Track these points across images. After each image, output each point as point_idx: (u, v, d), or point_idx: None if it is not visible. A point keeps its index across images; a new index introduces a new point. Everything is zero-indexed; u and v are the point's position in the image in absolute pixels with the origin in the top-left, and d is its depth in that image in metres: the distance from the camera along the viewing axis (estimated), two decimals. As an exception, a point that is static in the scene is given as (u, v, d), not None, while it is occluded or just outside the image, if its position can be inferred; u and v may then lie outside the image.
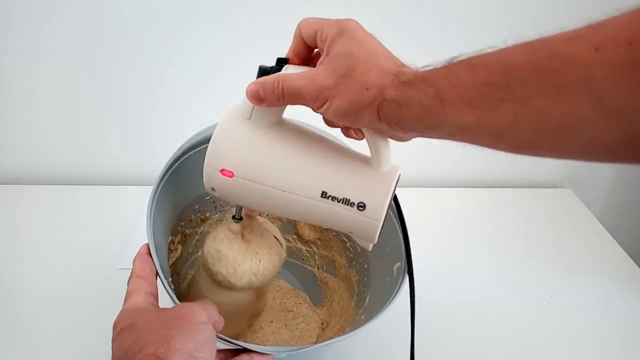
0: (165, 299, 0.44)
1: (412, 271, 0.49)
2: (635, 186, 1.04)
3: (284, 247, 0.57)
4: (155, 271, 0.45)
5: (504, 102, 0.30)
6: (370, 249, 0.46)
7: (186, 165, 0.56)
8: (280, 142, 0.43)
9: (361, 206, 0.41)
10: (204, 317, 0.39)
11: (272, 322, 0.65)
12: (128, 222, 0.78)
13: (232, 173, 0.44)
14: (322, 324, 0.65)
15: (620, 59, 0.26)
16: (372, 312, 0.51)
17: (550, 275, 0.78)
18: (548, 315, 0.71)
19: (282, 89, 0.40)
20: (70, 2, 0.72)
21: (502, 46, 0.31)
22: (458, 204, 0.92)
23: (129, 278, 0.44)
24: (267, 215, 0.65)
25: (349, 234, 0.44)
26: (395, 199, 0.48)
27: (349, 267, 0.65)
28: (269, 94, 0.40)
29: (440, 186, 0.95)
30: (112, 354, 0.37)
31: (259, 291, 0.58)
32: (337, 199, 0.42)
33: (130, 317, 0.39)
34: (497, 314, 0.70)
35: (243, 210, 0.53)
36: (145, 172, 0.80)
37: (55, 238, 0.75)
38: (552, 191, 0.98)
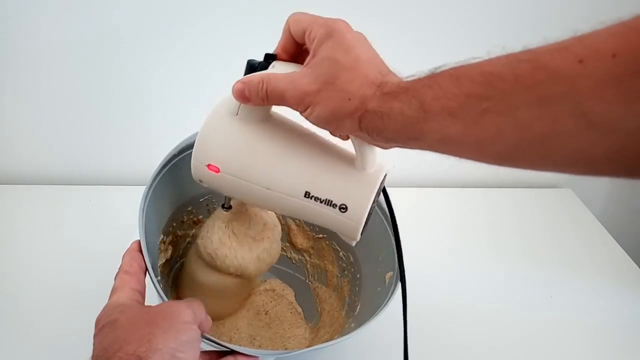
0: (154, 297, 0.44)
1: (404, 275, 0.49)
2: (635, 186, 1.04)
3: (279, 230, 0.57)
4: (144, 268, 0.45)
5: (487, 114, 0.30)
6: (353, 244, 0.46)
7: (181, 166, 0.56)
8: (266, 139, 0.43)
9: (343, 208, 0.42)
10: (189, 316, 0.38)
11: (258, 325, 0.65)
12: (128, 222, 0.77)
13: (218, 169, 0.44)
14: (310, 332, 0.64)
15: (604, 71, 0.25)
16: (362, 321, 0.51)
17: (550, 275, 0.78)
18: (548, 315, 0.71)
19: (266, 90, 0.40)
20: (70, 3, 0.72)
21: (486, 57, 0.31)
22: (458, 204, 0.92)
23: (117, 274, 0.43)
24: None
25: (332, 230, 0.45)
26: (387, 200, 0.48)
27: (341, 276, 0.64)
28: (254, 94, 0.40)
29: (439, 186, 0.95)
30: (93, 351, 0.36)
31: (244, 281, 0.59)
32: (320, 199, 0.42)
33: (113, 314, 0.38)
34: (497, 314, 0.70)
35: (233, 200, 0.53)
36: (146, 172, 0.79)
37: (55, 238, 0.75)
38: (552, 191, 0.98)
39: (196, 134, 0.56)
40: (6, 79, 0.78)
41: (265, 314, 0.66)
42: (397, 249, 0.50)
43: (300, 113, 0.39)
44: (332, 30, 0.38)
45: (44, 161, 0.87)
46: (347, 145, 0.44)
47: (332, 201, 0.42)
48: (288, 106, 0.40)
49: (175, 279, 0.64)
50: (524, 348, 0.66)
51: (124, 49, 0.78)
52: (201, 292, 0.57)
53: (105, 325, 0.37)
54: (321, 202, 0.42)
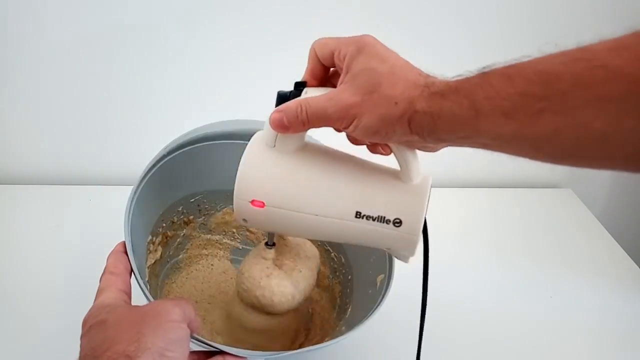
0: (141, 299, 0.44)
1: (426, 280, 0.48)
2: (635, 186, 1.04)
3: (317, 256, 0.56)
4: (129, 269, 0.44)
5: (543, 113, 0.29)
6: (408, 262, 0.45)
7: (171, 166, 0.55)
8: (307, 166, 0.43)
9: (397, 222, 0.41)
10: (177, 315, 0.38)
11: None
12: (128, 222, 0.78)
13: (263, 203, 0.43)
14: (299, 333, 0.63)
15: None
16: (353, 323, 0.50)
17: (550, 275, 0.78)
18: (548, 315, 0.71)
19: (307, 113, 0.39)
20: (70, 5, 0.72)
21: (538, 55, 0.31)
22: (458, 204, 0.92)
23: (101, 275, 0.43)
24: None
25: (386, 250, 0.44)
26: None
27: (332, 277, 0.64)
28: (293, 120, 0.40)
29: (439, 186, 0.94)
30: (80, 351, 0.36)
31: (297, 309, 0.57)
32: (372, 217, 0.41)
33: (101, 314, 0.38)
34: (496, 314, 0.70)
35: (275, 236, 0.52)
36: (145, 172, 0.80)
37: (55, 238, 0.75)
38: (552, 191, 0.98)
39: (185, 134, 0.56)
40: (6, 79, 0.78)
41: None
42: (424, 263, 0.48)
43: (344, 129, 0.38)
44: (363, 44, 0.38)
45: (44, 161, 0.87)
46: (387, 162, 0.43)
47: (385, 217, 0.41)
48: (330, 125, 0.39)
49: (165, 280, 0.64)
50: (524, 348, 0.66)
51: (124, 50, 0.78)
52: (256, 336, 0.55)
53: (93, 326, 0.37)
54: (374, 220, 0.41)
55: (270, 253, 0.52)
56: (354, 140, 0.43)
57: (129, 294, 0.42)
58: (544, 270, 0.79)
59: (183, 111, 0.83)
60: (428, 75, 0.37)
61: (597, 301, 0.74)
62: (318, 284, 0.65)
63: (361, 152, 0.45)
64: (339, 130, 0.41)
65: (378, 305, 0.49)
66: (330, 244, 0.64)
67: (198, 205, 0.64)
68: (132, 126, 0.85)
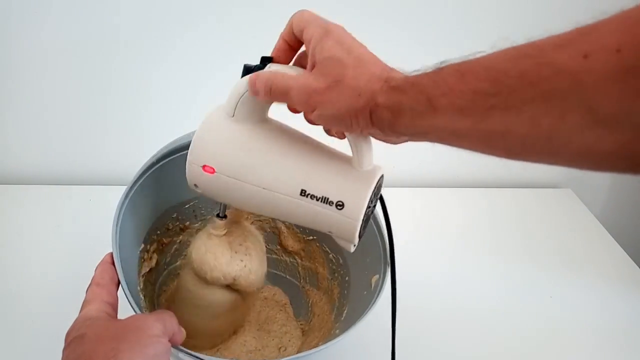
0: (129, 310, 0.44)
1: (394, 277, 0.48)
2: (635, 186, 1.04)
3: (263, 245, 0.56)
4: (115, 280, 0.44)
5: (494, 110, 0.30)
6: (351, 250, 0.45)
7: (161, 173, 0.55)
8: (262, 139, 0.43)
9: (340, 205, 0.41)
10: (157, 329, 0.37)
11: (250, 330, 0.64)
12: (128, 222, 0.78)
13: (214, 169, 0.44)
14: (302, 336, 0.64)
15: (609, 66, 0.25)
16: (347, 326, 0.50)
17: (550, 275, 0.78)
18: (548, 315, 0.71)
19: (272, 85, 0.39)
20: (70, 6, 0.72)
21: (490, 51, 0.31)
22: (457, 204, 0.92)
23: (88, 286, 0.43)
24: (252, 222, 0.65)
25: (329, 233, 0.44)
26: (382, 203, 0.48)
27: (331, 279, 0.64)
28: (261, 88, 0.40)
29: (439, 186, 0.95)
30: None
31: (242, 297, 0.57)
32: (316, 197, 0.42)
33: (81, 328, 0.37)
34: (496, 314, 0.70)
35: (227, 209, 0.52)
36: (145, 172, 0.80)
37: (55, 238, 0.75)
38: (552, 191, 0.98)
39: (174, 141, 0.55)
40: (6, 79, 0.78)
41: (265, 321, 0.65)
42: (389, 243, 0.49)
43: (306, 114, 0.39)
44: (329, 31, 0.38)
45: (44, 161, 0.87)
46: (343, 149, 0.44)
47: (328, 198, 0.41)
48: (291, 105, 0.40)
49: (162, 287, 0.63)
50: (524, 348, 0.66)
51: (125, 50, 0.78)
52: (198, 310, 0.55)
53: (73, 340, 0.37)
54: (317, 199, 0.42)
55: (221, 224, 0.52)
56: (310, 120, 0.43)
57: (114, 306, 0.42)
58: (543, 270, 0.79)
59: (183, 111, 0.83)
60: (392, 69, 0.37)
61: (596, 301, 0.74)
62: (318, 286, 0.65)
63: (318, 133, 0.45)
64: (296, 112, 0.42)
65: (370, 307, 0.49)
66: (329, 245, 0.64)
67: (193, 211, 0.64)
68: (132, 126, 0.85)
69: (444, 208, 0.90)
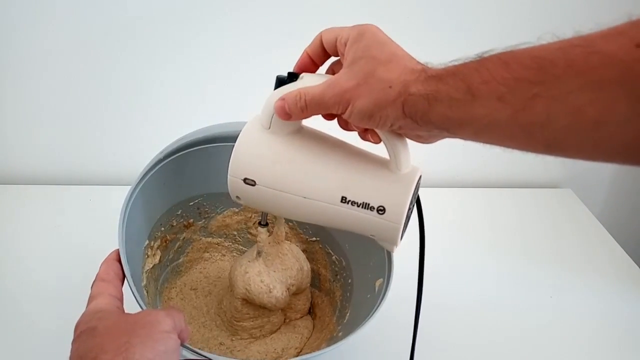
0: (134, 306, 0.44)
1: (422, 279, 0.49)
2: (635, 186, 1.04)
3: (307, 270, 0.60)
4: (120, 276, 0.44)
5: (537, 98, 0.29)
6: (393, 250, 0.46)
7: (168, 170, 0.55)
8: (299, 149, 0.44)
9: (381, 210, 0.41)
10: (168, 325, 0.37)
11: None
12: (128, 222, 0.78)
13: (255, 182, 0.44)
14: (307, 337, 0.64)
15: None
16: (350, 329, 0.50)
17: (550, 275, 0.78)
18: (548, 315, 0.71)
19: (305, 100, 0.40)
20: (71, 6, 0.72)
21: (536, 43, 0.31)
22: (458, 204, 0.92)
23: (93, 282, 0.43)
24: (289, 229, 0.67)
25: (371, 237, 0.44)
26: (418, 202, 0.47)
27: (333, 280, 0.64)
28: (293, 108, 0.41)
29: (439, 186, 0.95)
30: (70, 358, 0.35)
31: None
32: (357, 203, 0.42)
33: (92, 320, 0.37)
34: (496, 314, 0.70)
35: (267, 217, 0.54)
36: (145, 172, 0.80)
37: (55, 238, 0.75)
38: (552, 191, 0.98)
39: (181, 138, 0.56)
40: (6, 80, 0.78)
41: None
42: (420, 251, 0.49)
43: (341, 114, 0.39)
44: (363, 30, 0.38)
45: (44, 161, 0.87)
46: (379, 152, 0.44)
47: (369, 204, 0.42)
48: (328, 111, 0.40)
49: (164, 284, 0.64)
50: (524, 348, 0.66)
51: (125, 50, 0.78)
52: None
53: (84, 332, 0.36)
54: (358, 205, 0.42)
55: (264, 233, 0.55)
56: (345, 125, 0.44)
57: (121, 300, 0.42)
58: (543, 270, 0.79)
59: (184, 111, 0.83)
60: (426, 64, 0.37)
61: (596, 301, 0.74)
62: (320, 287, 0.65)
63: (353, 139, 0.45)
64: (332, 117, 0.42)
65: (374, 312, 0.49)
66: (332, 246, 0.64)
67: (198, 208, 0.64)
68: (133, 126, 0.85)
69: (443, 208, 0.90)
